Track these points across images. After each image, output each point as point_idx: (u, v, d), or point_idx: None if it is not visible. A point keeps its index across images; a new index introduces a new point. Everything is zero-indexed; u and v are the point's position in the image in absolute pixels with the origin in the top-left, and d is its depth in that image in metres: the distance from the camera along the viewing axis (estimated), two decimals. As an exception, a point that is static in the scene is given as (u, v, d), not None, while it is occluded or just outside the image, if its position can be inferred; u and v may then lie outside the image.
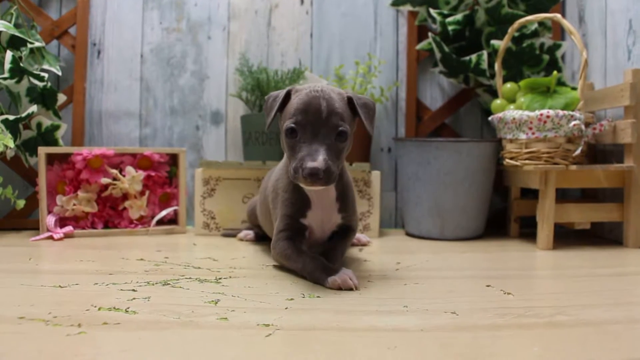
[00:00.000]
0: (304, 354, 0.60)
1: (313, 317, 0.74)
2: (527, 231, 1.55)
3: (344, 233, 1.09)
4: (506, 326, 0.71)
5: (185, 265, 1.07)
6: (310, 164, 0.85)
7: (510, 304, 0.82)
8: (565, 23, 1.31)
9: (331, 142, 0.89)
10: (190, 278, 0.96)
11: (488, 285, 0.94)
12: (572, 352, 0.61)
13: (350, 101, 0.94)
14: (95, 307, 0.76)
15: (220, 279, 0.96)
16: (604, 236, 1.49)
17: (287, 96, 0.96)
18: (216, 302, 0.80)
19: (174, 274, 0.99)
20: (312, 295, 0.86)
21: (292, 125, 0.90)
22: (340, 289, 0.89)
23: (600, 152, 1.49)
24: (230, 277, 0.97)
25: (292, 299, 0.83)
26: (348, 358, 0.59)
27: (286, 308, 0.78)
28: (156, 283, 0.91)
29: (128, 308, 0.76)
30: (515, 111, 1.34)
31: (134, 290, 0.86)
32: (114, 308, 0.76)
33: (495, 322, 0.73)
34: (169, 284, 0.91)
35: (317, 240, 1.07)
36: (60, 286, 0.88)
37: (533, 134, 1.32)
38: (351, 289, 0.89)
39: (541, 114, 1.29)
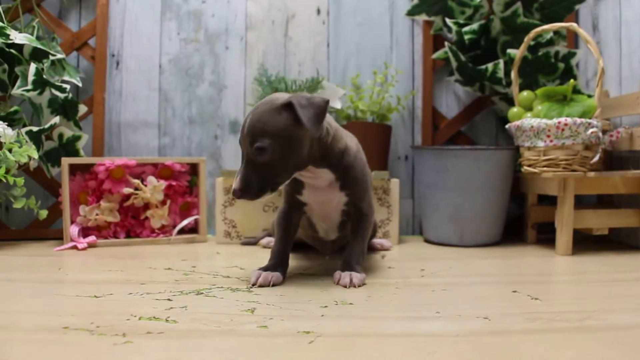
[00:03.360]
0: (351, 361, 0.61)
1: (350, 324, 0.75)
2: (544, 237, 1.56)
3: (356, 220, 1.09)
4: (538, 331, 0.73)
5: (213, 274, 1.09)
6: (233, 184, 0.94)
7: (539, 309, 0.83)
8: (582, 32, 1.33)
9: (252, 158, 0.94)
10: (221, 287, 0.97)
11: (514, 291, 0.95)
12: (608, 356, 0.63)
13: (289, 107, 0.94)
14: (135, 316, 0.78)
15: (251, 287, 0.97)
16: (621, 241, 1.50)
17: None
18: (252, 311, 0.81)
19: (205, 283, 1.01)
20: (344, 302, 0.87)
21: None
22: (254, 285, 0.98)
23: (616, 159, 1.51)
24: (260, 285, 0.99)
25: (326, 306, 0.84)
26: (394, 365, 0.61)
27: (322, 315, 0.79)
28: (189, 292, 0.93)
29: (168, 317, 0.77)
30: (533, 119, 1.36)
31: (169, 299, 0.88)
32: (154, 317, 0.77)
33: (528, 327, 0.74)
34: (202, 293, 0.93)
35: (323, 217, 1.12)
36: (95, 296, 0.90)
37: (551, 141, 1.34)
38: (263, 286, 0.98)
39: (559, 122, 1.31)
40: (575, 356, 0.63)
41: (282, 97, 0.96)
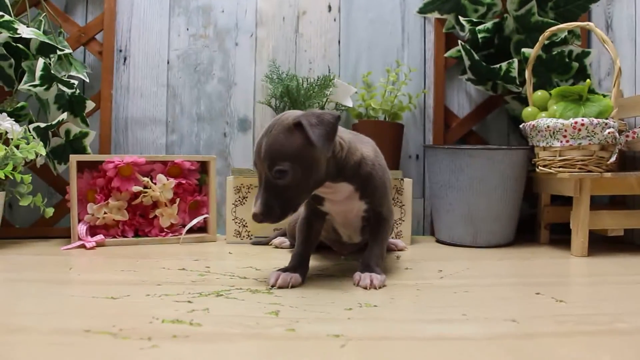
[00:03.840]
0: (389, 367, 0.60)
1: (379, 327, 0.74)
2: (556, 237, 1.55)
3: (376, 224, 1.08)
4: (569, 333, 0.71)
5: (229, 275, 1.07)
6: (253, 209, 0.92)
7: (566, 311, 0.82)
8: (598, 32, 1.32)
9: (272, 182, 0.92)
10: (240, 289, 0.95)
11: (537, 293, 0.94)
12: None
13: (299, 126, 0.92)
14: (157, 319, 0.75)
15: (270, 288, 0.95)
16: (634, 242, 1.49)
17: None
18: (277, 313, 0.79)
19: (222, 284, 0.99)
20: (368, 304, 0.86)
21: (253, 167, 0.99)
22: (273, 286, 0.97)
23: (630, 159, 1.50)
24: (280, 286, 0.97)
25: (350, 309, 0.83)
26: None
27: (349, 318, 0.78)
28: (209, 294, 0.91)
29: (192, 320, 0.75)
30: (549, 119, 1.34)
31: (189, 301, 0.86)
32: (177, 320, 0.75)
33: (557, 329, 0.73)
34: (221, 295, 0.91)
35: (344, 224, 1.12)
36: (112, 297, 0.87)
37: (567, 141, 1.32)
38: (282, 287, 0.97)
39: (575, 122, 1.30)
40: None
41: (291, 115, 0.94)
